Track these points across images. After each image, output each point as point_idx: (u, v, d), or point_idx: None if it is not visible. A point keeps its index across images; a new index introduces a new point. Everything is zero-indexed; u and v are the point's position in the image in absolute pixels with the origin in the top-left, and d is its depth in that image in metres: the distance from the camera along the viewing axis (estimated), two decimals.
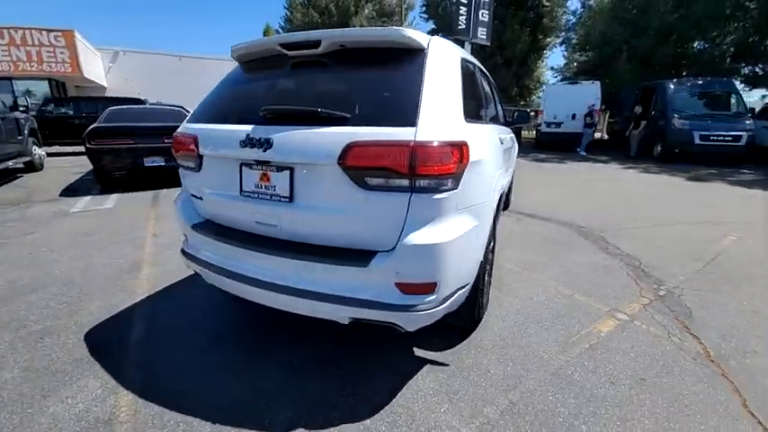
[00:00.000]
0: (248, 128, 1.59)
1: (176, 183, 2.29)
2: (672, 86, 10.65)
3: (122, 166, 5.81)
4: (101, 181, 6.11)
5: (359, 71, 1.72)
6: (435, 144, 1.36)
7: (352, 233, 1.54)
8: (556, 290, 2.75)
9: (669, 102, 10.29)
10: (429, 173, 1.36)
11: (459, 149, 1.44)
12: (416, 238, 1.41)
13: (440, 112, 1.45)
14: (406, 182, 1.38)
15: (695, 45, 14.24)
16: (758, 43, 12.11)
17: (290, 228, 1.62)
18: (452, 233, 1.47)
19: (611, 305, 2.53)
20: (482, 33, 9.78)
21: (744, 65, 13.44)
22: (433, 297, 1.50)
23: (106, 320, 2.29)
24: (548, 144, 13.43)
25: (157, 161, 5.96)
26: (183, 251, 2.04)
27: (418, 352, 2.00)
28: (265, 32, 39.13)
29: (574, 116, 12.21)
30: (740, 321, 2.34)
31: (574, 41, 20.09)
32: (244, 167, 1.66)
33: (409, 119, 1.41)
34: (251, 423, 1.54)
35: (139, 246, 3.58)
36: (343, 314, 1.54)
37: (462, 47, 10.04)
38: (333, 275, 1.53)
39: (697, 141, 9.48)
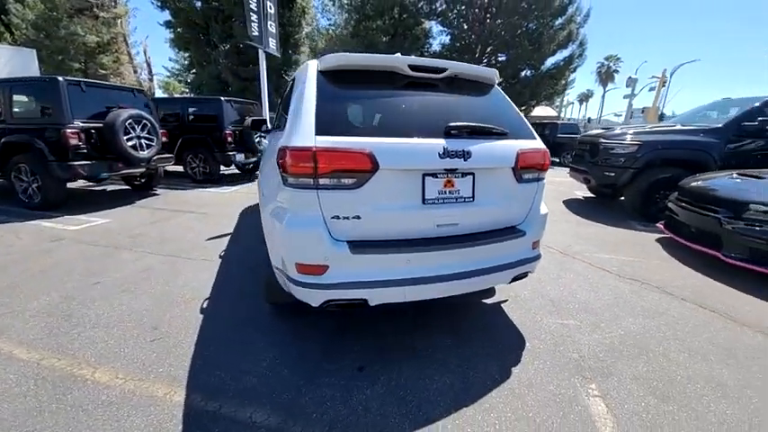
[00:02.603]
0: (441, 141, 1.79)
1: None
2: None
3: None
4: None
5: (467, 96, 2.20)
6: (545, 149, 2.20)
7: (504, 216, 2.11)
8: None
9: None
10: (545, 168, 2.19)
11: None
12: (543, 210, 2.23)
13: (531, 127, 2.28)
14: (537, 174, 2.15)
15: None
16: None
17: (468, 223, 1.96)
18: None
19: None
20: (273, 44, 9.96)
21: None
22: (540, 248, 2.35)
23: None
24: None
25: None
26: (317, 285, 1.73)
27: (487, 302, 2.75)
28: None
29: None
30: (560, 238, 4.57)
31: None
32: (427, 177, 1.80)
33: (529, 133, 2.17)
34: (489, 386, 1.87)
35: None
36: (508, 276, 2.10)
37: (257, 55, 9.89)
38: (501, 250, 2.05)
39: None
